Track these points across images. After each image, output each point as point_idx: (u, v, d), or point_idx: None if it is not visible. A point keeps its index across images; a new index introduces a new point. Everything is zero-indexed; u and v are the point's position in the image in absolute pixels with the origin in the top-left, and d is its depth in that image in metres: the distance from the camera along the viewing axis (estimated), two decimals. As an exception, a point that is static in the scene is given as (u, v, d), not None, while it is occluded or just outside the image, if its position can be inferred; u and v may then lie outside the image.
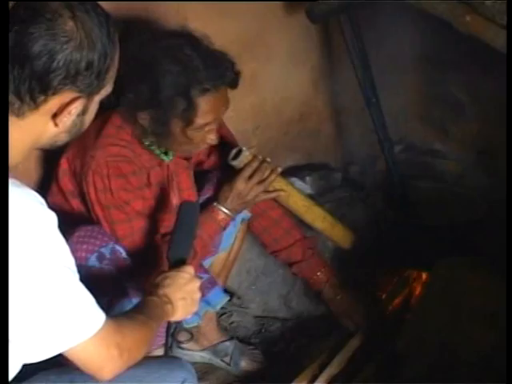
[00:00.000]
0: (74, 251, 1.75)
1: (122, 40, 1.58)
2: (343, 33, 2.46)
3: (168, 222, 1.93)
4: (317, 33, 2.77)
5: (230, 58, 1.98)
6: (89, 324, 1.31)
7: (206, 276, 2.13)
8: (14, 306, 1.26)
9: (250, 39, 2.45)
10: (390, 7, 2.34)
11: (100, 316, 1.34)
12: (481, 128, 2.77)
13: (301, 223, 2.37)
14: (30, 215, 1.27)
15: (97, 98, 1.41)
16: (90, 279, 1.68)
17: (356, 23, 2.44)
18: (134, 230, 1.96)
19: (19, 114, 1.34)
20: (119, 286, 1.88)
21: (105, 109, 1.74)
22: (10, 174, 1.30)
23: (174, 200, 2.07)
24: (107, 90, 1.42)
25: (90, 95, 1.37)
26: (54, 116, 1.35)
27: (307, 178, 2.75)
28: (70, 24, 1.30)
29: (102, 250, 1.88)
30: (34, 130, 1.38)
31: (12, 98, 1.32)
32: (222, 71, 1.93)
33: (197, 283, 1.62)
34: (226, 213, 2.06)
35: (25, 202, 1.27)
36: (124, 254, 1.93)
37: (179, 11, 2.29)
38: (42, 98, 1.32)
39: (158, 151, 2.03)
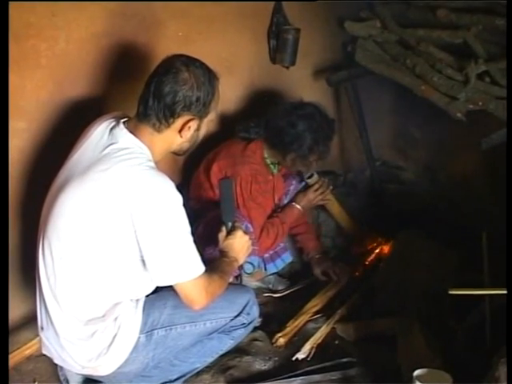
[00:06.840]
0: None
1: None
2: (347, 93, 2.89)
3: (270, 208, 2.37)
4: (332, 92, 3.06)
5: (332, 118, 2.35)
6: (193, 270, 1.48)
7: (282, 245, 2.52)
8: (149, 250, 1.42)
9: (291, 96, 2.70)
10: (375, 78, 2.63)
11: (201, 267, 1.49)
12: (426, 154, 3.07)
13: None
14: (165, 193, 1.43)
15: (205, 120, 1.57)
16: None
17: (355, 88, 2.83)
18: (257, 213, 2.29)
19: (159, 131, 1.52)
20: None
21: (249, 140, 2.31)
22: (156, 167, 1.47)
23: (276, 197, 2.43)
24: (212, 115, 1.58)
25: (200, 118, 1.55)
26: (180, 131, 1.53)
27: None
28: (186, 75, 1.49)
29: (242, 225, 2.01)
30: (167, 140, 1.55)
31: (154, 120, 1.50)
32: (333, 126, 2.34)
33: (247, 239, 1.74)
34: (300, 209, 2.46)
35: (162, 185, 1.44)
36: (251, 228, 2.18)
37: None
38: (172, 119, 1.50)
39: (273, 168, 2.39)
